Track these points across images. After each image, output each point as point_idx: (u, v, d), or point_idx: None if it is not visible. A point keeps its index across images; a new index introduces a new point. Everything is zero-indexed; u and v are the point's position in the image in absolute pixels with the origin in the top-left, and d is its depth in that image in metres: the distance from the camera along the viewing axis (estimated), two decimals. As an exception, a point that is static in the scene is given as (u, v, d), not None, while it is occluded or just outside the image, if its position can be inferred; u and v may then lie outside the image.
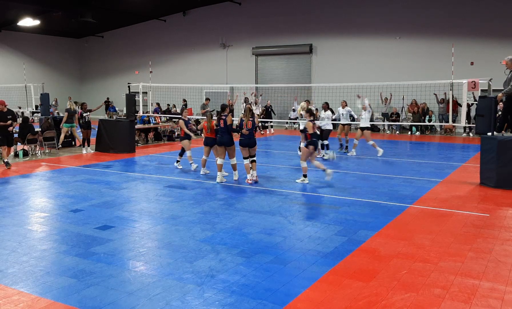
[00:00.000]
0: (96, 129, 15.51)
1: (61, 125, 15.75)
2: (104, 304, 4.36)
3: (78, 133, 16.36)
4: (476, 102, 18.52)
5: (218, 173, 10.09)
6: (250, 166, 10.00)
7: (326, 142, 13.52)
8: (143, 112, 18.97)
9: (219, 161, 10.08)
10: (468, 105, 19.27)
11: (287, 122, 24.98)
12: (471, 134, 20.34)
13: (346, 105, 14.73)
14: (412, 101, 22.26)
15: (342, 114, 14.50)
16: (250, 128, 9.79)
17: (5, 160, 11.93)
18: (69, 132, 16.07)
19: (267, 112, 24.04)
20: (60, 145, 15.49)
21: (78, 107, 16.15)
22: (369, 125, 14.17)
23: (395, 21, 23.06)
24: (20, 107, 23.40)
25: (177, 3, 27.88)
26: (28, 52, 31.27)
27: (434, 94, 20.69)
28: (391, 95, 21.56)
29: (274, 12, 26.05)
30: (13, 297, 4.52)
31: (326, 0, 24.78)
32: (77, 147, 16.26)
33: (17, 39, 30.87)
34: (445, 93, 20.52)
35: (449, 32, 21.50)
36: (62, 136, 15.67)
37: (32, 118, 20.09)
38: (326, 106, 13.74)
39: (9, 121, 11.85)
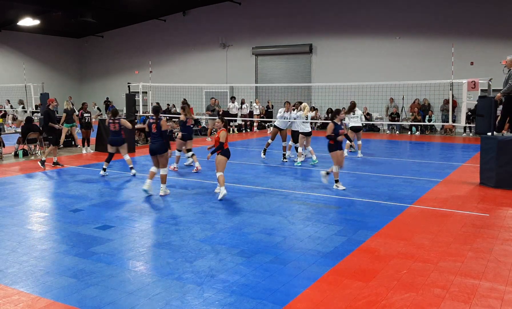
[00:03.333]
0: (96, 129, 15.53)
1: (60, 125, 15.71)
2: (104, 304, 4.36)
3: (78, 134, 16.36)
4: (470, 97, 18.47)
5: (148, 180, 8.88)
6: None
7: (297, 145, 12.81)
8: (142, 113, 18.97)
9: (159, 171, 8.97)
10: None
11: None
12: (471, 134, 20.35)
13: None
14: (415, 101, 22.26)
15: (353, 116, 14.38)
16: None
17: (44, 159, 12.00)
18: (69, 132, 16.07)
19: (267, 112, 24.10)
20: (61, 145, 15.51)
21: (75, 107, 16.19)
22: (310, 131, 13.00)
23: (395, 21, 23.05)
24: (23, 107, 23.32)
25: (177, 3, 27.86)
26: (28, 52, 31.24)
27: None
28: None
29: (274, 12, 26.05)
30: (13, 297, 4.52)
31: (326, 0, 24.78)
32: (78, 147, 16.25)
33: (17, 39, 30.83)
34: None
35: (449, 32, 21.49)
36: (63, 137, 15.66)
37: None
38: (297, 105, 12.88)
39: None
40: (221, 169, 8.49)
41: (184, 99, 14.97)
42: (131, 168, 11.06)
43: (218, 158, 8.52)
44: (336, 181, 9.51)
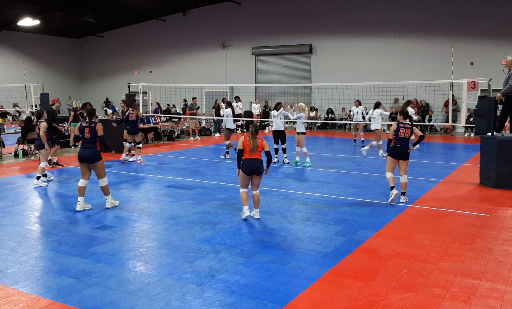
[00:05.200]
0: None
1: (68, 124, 15.80)
2: (104, 304, 4.36)
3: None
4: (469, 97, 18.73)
5: (80, 198, 7.88)
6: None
7: (284, 146, 12.75)
8: (143, 113, 18.98)
9: (81, 182, 7.94)
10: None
11: (286, 123, 24.97)
12: (472, 134, 20.35)
13: (360, 105, 15.92)
14: (413, 101, 22.26)
15: (357, 112, 15.73)
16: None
17: (49, 158, 12.05)
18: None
19: (265, 112, 24.09)
20: (71, 145, 15.89)
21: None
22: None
23: (395, 21, 23.05)
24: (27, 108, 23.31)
25: (177, 3, 27.86)
26: (28, 52, 31.22)
27: None
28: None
29: (274, 12, 26.05)
30: (13, 297, 4.52)
31: (326, 0, 24.78)
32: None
33: (17, 39, 30.82)
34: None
35: (449, 32, 21.49)
36: (72, 136, 15.73)
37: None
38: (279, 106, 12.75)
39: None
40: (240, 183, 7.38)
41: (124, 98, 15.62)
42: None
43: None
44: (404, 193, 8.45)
